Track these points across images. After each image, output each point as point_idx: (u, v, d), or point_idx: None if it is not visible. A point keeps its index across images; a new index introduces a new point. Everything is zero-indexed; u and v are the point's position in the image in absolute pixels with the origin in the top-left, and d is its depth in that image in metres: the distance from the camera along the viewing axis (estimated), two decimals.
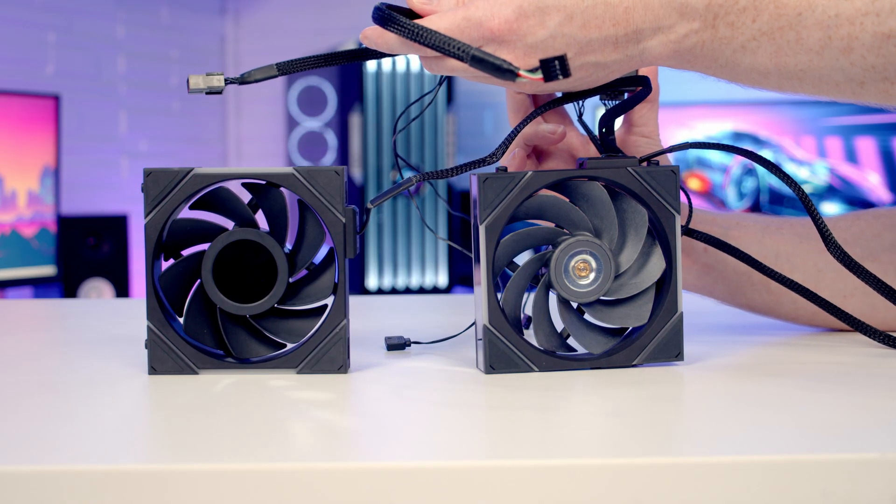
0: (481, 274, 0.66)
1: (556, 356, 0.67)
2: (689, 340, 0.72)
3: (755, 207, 3.54)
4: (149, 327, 0.66)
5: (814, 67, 0.64)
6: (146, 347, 0.67)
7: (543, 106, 0.71)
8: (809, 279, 0.79)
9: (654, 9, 0.63)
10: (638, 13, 0.63)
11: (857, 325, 0.75)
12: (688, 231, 0.73)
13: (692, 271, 0.81)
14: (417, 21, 0.65)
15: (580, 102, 0.71)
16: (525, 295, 0.69)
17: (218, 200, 0.68)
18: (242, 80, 0.69)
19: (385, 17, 0.65)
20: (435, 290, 3.53)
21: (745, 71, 0.65)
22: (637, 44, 0.64)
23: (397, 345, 0.76)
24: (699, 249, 0.80)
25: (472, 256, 0.68)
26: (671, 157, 0.73)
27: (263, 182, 0.67)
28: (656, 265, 0.68)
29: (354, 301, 1.09)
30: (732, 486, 0.45)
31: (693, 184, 3.59)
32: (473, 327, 0.72)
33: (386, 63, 3.42)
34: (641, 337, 0.68)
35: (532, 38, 0.63)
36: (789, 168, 3.50)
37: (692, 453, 0.49)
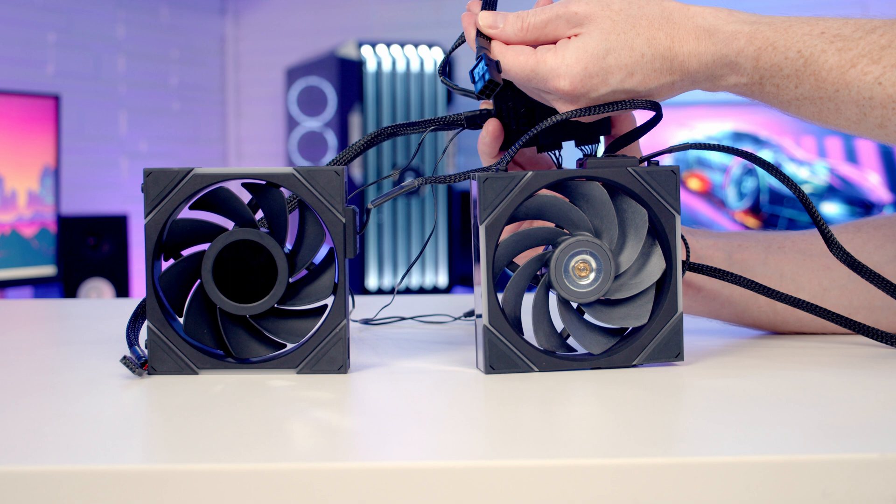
0: (481, 274, 0.66)
1: (556, 356, 0.67)
2: (689, 340, 0.72)
3: (755, 207, 3.54)
4: (149, 327, 0.66)
5: (852, 129, 0.69)
6: (146, 347, 0.67)
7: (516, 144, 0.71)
8: (815, 298, 0.80)
9: (707, 63, 0.68)
10: (692, 65, 0.68)
11: (863, 331, 0.76)
12: (690, 266, 0.73)
13: (697, 299, 0.81)
14: (488, 44, 0.71)
15: (557, 152, 0.75)
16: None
17: (218, 200, 0.68)
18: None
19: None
20: (435, 290, 3.53)
21: (790, 115, 0.71)
22: (691, 84, 0.70)
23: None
24: (702, 277, 0.80)
25: (472, 256, 0.68)
26: (671, 158, 0.74)
27: (263, 182, 0.67)
28: (656, 265, 0.68)
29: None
30: (732, 486, 0.45)
31: (693, 184, 3.59)
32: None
33: (386, 62, 3.42)
34: (641, 337, 0.68)
35: (595, 93, 0.68)
36: (789, 168, 3.50)
37: (692, 453, 0.48)
